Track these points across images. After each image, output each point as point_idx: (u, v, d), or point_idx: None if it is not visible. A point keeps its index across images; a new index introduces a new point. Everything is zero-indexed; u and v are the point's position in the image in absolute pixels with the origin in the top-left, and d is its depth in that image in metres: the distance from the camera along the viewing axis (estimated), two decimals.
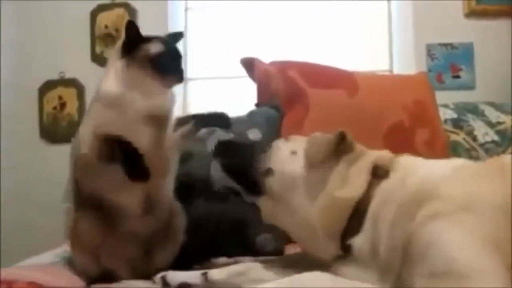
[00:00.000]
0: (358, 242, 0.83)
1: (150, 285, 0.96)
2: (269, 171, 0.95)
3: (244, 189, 0.99)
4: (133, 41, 1.03)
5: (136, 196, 1.04)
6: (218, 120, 1.21)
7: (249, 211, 1.30)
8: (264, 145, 1.03)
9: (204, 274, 0.95)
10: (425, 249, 0.70)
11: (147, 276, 1.02)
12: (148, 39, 1.05)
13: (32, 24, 2.65)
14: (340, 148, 0.91)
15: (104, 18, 2.64)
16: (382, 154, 0.94)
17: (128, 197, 1.03)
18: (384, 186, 0.85)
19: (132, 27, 1.04)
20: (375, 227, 0.81)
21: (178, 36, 1.17)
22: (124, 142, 0.99)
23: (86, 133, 1.05)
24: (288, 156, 0.95)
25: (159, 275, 0.98)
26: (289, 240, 1.35)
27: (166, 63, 1.04)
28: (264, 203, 0.97)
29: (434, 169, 0.83)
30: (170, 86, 1.07)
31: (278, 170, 0.94)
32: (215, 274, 0.95)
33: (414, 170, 0.85)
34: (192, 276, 0.95)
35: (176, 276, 0.97)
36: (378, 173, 0.87)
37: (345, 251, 0.85)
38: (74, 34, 2.63)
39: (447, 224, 0.70)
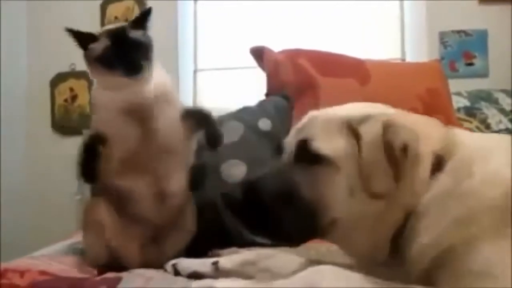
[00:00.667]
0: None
1: (161, 274, 0.96)
2: (333, 222, 0.78)
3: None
4: (82, 44, 1.04)
5: (145, 185, 1.05)
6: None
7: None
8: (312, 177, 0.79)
9: (215, 264, 0.93)
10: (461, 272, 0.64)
11: (158, 265, 1.02)
12: (96, 37, 1.02)
13: (42, 16, 2.67)
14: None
15: (114, 10, 2.64)
16: (439, 139, 0.77)
17: (136, 184, 1.05)
18: (442, 179, 0.72)
19: (74, 34, 1.04)
20: (423, 229, 0.71)
21: (145, 13, 1.08)
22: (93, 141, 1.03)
23: None
24: (347, 195, 0.76)
25: (170, 263, 0.98)
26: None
27: (111, 58, 1.00)
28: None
29: (500, 165, 0.69)
30: (131, 78, 1.01)
31: (342, 218, 0.77)
32: (226, 263, 0.93)
33: (481, 159, 0.71)
34: (203, 265, 0.95)
35: (187, 264, 0.97)
36: (439, 164, 0.74)
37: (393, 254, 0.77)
38: (85, 26, 2.57)
39: (499, 250, 0.63)
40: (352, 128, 0.78)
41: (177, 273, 0.96)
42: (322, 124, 0.82)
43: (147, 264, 1.03)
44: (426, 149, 0.75)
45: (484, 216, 0.66)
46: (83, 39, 1.03)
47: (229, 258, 0.95)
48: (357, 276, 0.68)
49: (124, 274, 0.92)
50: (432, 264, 0.68)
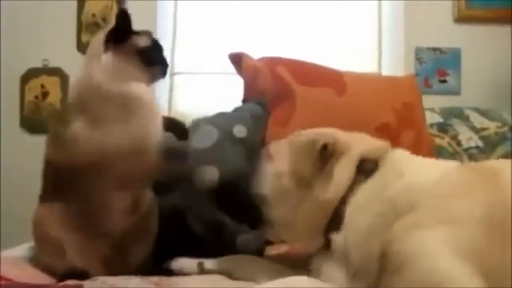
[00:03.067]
0: (337, 239, 0.85)
1: (124, 281, 0.92)
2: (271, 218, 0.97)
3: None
4: (124, 32, 1.03)
5: (126, 201, 1.02)
6: (176, 128, 1.22)
7: (230, 211, 1.28)
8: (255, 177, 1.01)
9: (200, 264, 1.05)
10: (402, 262, 0.69)
11: (123, 273, 0.99)
12: (137, 32, 1.07)
13: (16, 9, 2.59)
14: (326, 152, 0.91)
15: (92, 7, 2.59)
16: (373, 146, 0.93)
17: (117, 202, 1.01)
18: (366, 187, 0.84)
19: (125, 17, 1.04)
20: (348, 232, 0.83)
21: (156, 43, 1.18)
22: None
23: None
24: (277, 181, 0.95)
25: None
26: (269, 241, 1.34)
27: (154, 56, 1.06)
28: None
29: (421, 175, 0.81)
30: (154, 79, 1.09)
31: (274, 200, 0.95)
32: (210, 263, 1.05)
33: (401, 172, 0.83)
34: (189, 264, 1.05)
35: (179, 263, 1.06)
36: (365, 167, 0.88)
37: (328, 245, 0.87)
38: (60, 21, 2.57)
39: (423, 236, 0.70)
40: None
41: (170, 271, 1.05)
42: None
43: (111, 273, 0.99)
44: (352, 154, 0.89)
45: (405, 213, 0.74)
46: (127, 27, 1.05)
47: (213, 260, 1.07)
48: (327, 285, 0.70)
49: (86, 283, 0.89)
50: (379, 273, 0.73)
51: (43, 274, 0.99)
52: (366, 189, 0.84)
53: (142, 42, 1.05)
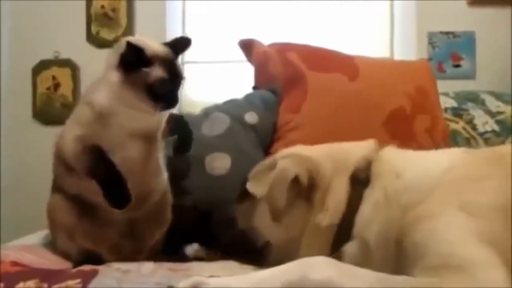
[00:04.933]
0: (349, 248, 0.83)
1: (138, 267, 0.92)
2: (267, 245, 0.92)
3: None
4: (131, 63, 0.96)
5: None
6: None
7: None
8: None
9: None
10: (419, 251, 0.68)
11: (136, 257, 0.99)
12: (151, 61, 0.96)
13: (26, 1, 2.59)
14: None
15: None
16: (361, 155, 0.89)
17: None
18: (369, 194, 0.83)
19: (131, 50, 0.94)
20: (366, 233, 0.81)
21: (185, 42, 1.08)
22: (111, 164, 0.95)
23: (70, 137, 1.00)
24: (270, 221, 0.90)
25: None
26: None
27: (163, 91, 0.96)
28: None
29: (421, 172, 0.79)
30: (161, 111, 1.00)
31: (273, 240, 0.92)
32: None
33: (396, 173, 0.81)
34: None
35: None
36: (360, 179, 0.85)
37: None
38: (70, 13, 2.57)
39: (440, 223, 0.68)
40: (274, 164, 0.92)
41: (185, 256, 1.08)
42: (264, 162, 1.00)
43: (125, 258, 1.00)
44: (344, 171, 0.87)
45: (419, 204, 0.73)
46: (136, 59, 0.95)
47: None
48: (347, 266, 0.68)
49: (101, 268, 0.89)
50: (396, 262, 0.73)
51: (57, 260, 1.00)
52: (368, 199, 0.82)
53: (154, 74, 0.96)
